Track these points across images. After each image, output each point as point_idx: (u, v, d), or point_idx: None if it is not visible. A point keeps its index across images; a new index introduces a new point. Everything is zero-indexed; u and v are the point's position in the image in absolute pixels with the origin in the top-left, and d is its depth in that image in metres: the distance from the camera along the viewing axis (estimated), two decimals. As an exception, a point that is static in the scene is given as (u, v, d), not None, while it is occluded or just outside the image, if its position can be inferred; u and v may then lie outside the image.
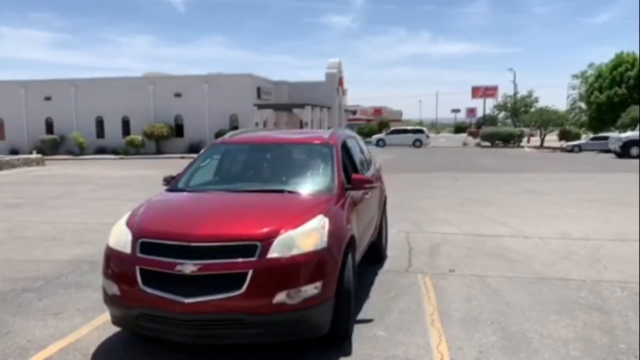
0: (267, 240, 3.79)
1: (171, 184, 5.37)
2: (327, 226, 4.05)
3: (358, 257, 5.01)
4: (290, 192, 4.86)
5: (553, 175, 18.98)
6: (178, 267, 3.72)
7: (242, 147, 5.95)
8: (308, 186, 5.01)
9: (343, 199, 4.75)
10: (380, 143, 45.87)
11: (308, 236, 3.92)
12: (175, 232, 3.97)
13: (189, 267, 3.70)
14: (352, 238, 4.56)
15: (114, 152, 36.68)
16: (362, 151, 6.73)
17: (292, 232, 3.90)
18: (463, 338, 4.33)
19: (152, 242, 3.96)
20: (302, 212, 4.21)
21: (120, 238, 4.13)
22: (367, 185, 5.26)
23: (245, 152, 5.87)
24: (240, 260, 3.73)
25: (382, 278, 6.03)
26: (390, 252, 7.06)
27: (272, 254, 3.76)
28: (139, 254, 3.94)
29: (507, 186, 15.18)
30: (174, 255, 3.80)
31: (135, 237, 4.02)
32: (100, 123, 39.49)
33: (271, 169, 5.50)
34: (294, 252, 3.81)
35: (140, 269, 3.87)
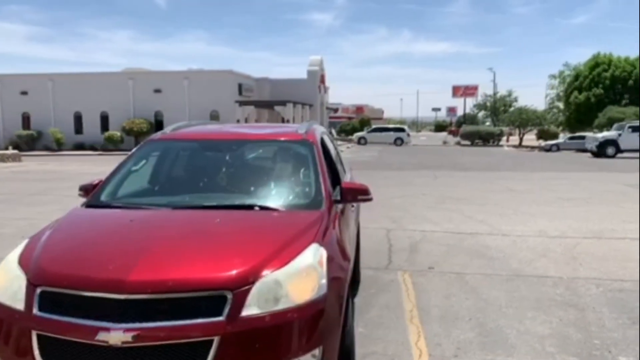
0: (240, 288, 2.56)
1: (91, 195, 3.87)
2: (324, 261, 2.85)
3: None
4: (263, 208, 3.50)
5: (531, 174, 19.24)
6: (101, 335, 2.44)
7: (190, 145, 4.47)
8: (287, 199, 3.72)
9: (334, 217, 3.52)
10: (362, 141, 46.10)
11: (301, 278, 2.71)
12: (95, 277, 2.61)
13: (118, 334, 2.43)
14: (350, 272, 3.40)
15: (93, 148, 36.23)
16: (336, 150, 5.50)
17: (277, 274, 2.66)
18: (441, 334, 4.37)
19: (57, 292, 2.62)
20: (287, 240, 2.94)
21: (8, 285, 2.77)
22: (361, 197, 3.92)
23: (194, 151, 4.45)
24: (200, 321, 2.49)
25: (363, 275, 6.05)
26: (370, 249, 7.09)
27: (249, 309, 2.54)
28: (36, 312, 2.60)
29: (487, 184, 15.35)
30: (93, 314, 2.52)
31: (31, 285, 2.68)
32: (78, 118, 38.97)
33: (232, 175, 4.04)
34: (282, 305, 2.59)
35: (39, 337, 2.56)
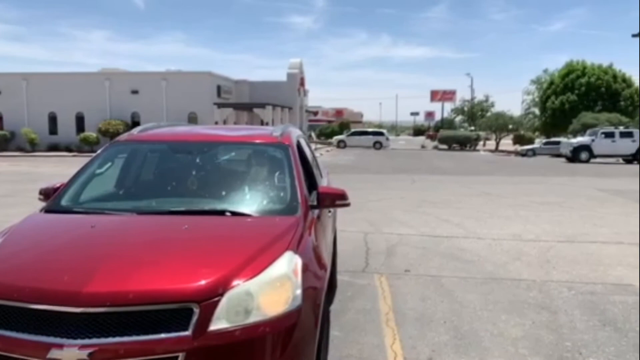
0: (208, 301, 2.40)
1: (50, 200, 3.67)
2: (299, 269, 2.71)
3: None
4: (235, 213, 3.33)
5: (507, 178, 19.49)
6: (53, 353, 2.27)
7: (158, 147, 4.28)
8: (261, 204, 3.57)
9: (310, 223, 3.39)
10: (341, 144, 46.22)
11: (274, 289, 2.57)
12: (48, 289, 2.43)
13: (72, 351, 2.26)
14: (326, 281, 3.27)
15: (68, 149, 35.62)
16: (313, 154, 5.39)
17: (248, 284, 2.51)
18: (417, 337, 4.39)
19: (7, 305, 2.45)
20: (260, 248, 2.79)
21: None
22: (339, 202, 3.79)
23: (163, 153, 4.27)
24: (163, 336, 2.33)
25: (339, 278, 6.04)
26: (348, 252, 7.09)
27: (218, 323, 2.39)
28: None
29: (463, 188, 15.51)
30: (46, 330, 2.35)
31: None
32: (53, 119, 38.28)
33: (203, 179, 3.86)
34: (253, 318, 2.45)
35: None
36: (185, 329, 2.36)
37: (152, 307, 2.37)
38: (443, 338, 4.38)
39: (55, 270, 2.60)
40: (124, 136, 4.36)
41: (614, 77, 45.05)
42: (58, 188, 3.81)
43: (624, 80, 45.10)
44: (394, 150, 43.96)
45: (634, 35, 37.97)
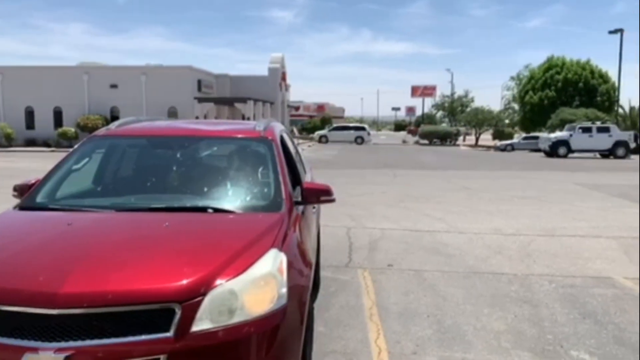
0: (190, 301, 2.33)
1: (25, 196, 3.54)
2: (284, 267, 2.64)
3: None
4: (218, 210, 3.25)
5: (488, 172, 19.68)
6: (27, 357, 2.18)
7: (137, 142, 4.17)
8: (244, 200, 3.49)
9: (295, 219, 3.33)
10: (323, 139, 46.26)
11: (259, 288, 2.50)
12: (23, 290, 2.33)
13: (47, 355, 2.17)
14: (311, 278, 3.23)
15: (45, 144, 35.01)
16: (296, 149, 5.33)
17: (232, 283, 2.44)
18: (400, 332, 4.41)
19: None
20: (244, 246, 2.71)
21: None
22: (324, 198, 3.71)
23: (143, 148, 4.17)
24: (144, 338, 2.26)
25: (323, 274, 6.03)
26: (331, 248, 7.09)
27: (200, 324, 2.32)
28: None
29: (444, 183, 15.62)
30: (20, 333, 2.25)
31: None
32: (30, 113, 37.57)
33: (184, 175, 3.78)
34: (237, 318, 2.38)
35: None
36: (167, 330, 2.28)
37: (131, 308, 2.29)
38: (427, 332, 4.40)
39: (30, 271, 2.48)
40: (101, 131, 4.23)
41: (592, 72, 45.75)
42: (33, 184, 3.67)
43: (601, 76, 45.81)
44: (375, 145, 44.10)
45: (610, 32, 38.62)
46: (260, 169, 3.76)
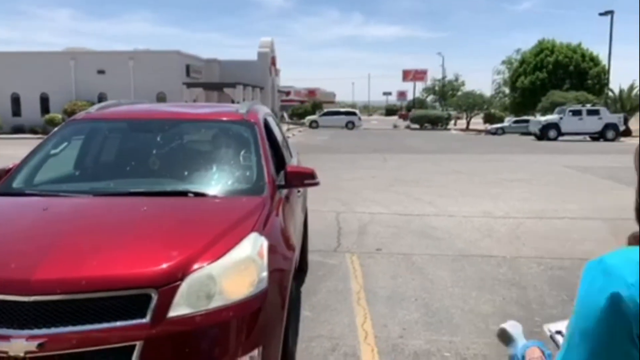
0: (167, 286, 2.28)
1: (1, 182, 3.45)
2: (265, 252, 2.60)
3: None
4: (198, 194, 3.20)
5: (478, 156, 19.68)
6: (0, 345, 2.13)
7: (117, 125, 4.11)
8: (225, 184, 3.46)
9: (278, 203, 3.30)
10: (314, 125, 46.08)
11: (238, 272, 2.47)
12: None
13: (20, 343, 2.12)
14: (295, 263, 3.20)
15: (33, 131, 34.52)
16: (282, 133, 5.29)
17: (210, 268, 2.39)
18: (388, 315, 4.37)
19: None
20: (224, 230, 2.67)
21: None
22: (307, 181, 3.64)
23: (122, 132, 4.11)
24: (119, 324, 2.20)
25: (311, 258, 5.98)
26: (320, 232, 7.03)
27: (178, 309, 2.27)
28: None
29: (434, 167, 15.59)
30: None
31: None
32: (16, 100, 37.08)
33: (165, 159, 3.70)
34: (216, 303, 2.33)
35: None
36: (143, 316, 2.23)
37: (106, 294, 2.24)
38: (414, 316, 4.37)
39: (2, 257, 2.42)
40: (81, 114, 4.14)
41: (582, 55, 45.72)
42: (10, 170, 3.58)
43: (592, 59, 45.80)
44: (366, 130, 43.98)
45: (600, 14, 38.53)
46: (242, 152, 3.69)
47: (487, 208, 9.00)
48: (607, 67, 41.65)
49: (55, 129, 4.06)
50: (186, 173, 3.55)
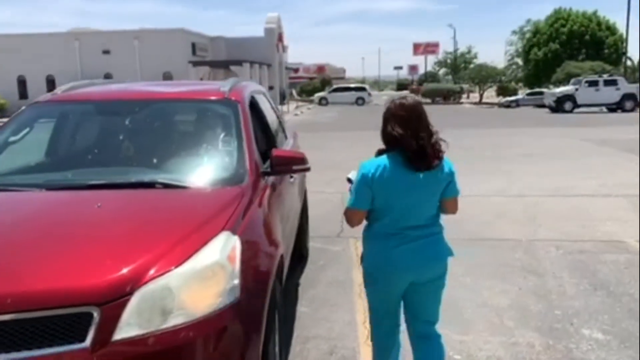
0: (112, 302, 1.88)
1: None
2: (237, 254, 2.19)
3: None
4: (167, 185, 2.76)
5: (491, 130, 19.09)
6: None
7: (83, 108, 3.67)
8: (199, 173, 3.03)
9: (261, 193, 2.89)
10: (323, 101, 45.39)
11: (202, 282, 2.06)
12: None
13: None
14: (281, 260, 2.78)
15: (40, 113, 34.45)
16: (276, 113, 4.80)
17: (167, 278, 1.99)
18: (392, 311, 3.98)
19: None
20: (189, 230, 2.25)
21: None
22: (296, 167, 3.20)
23: (87, 115, 3.69)
24: (52, 351, 1.81)
25: (312, 245, 5.60)
26: (323, 216, 6.64)
27: (126, 330, 1.87)
28: None
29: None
30: None
31: None
32: (22, 83, 36.94)
33: (133, 145, 3.27)
34: (174, 320, 1.93)
35: None
36: (82, 340, 1.83)
37: (37, 314, 1.83)
38: (421, 311, 3.97)
39: None
40: (45, 96, 3.68)
41: (598, 24, 44.36)
42: None
43: (608, 27, 44.44)
44: (377, 106, 43.14)
45: (618, -20, 37.09)
46: (221, 136, 3.24)
47: (501, 186, 8.54)
48: (624, 35, 40.28)
49: (16, 112, 3.60)
50: (156, 161, 3.10)
